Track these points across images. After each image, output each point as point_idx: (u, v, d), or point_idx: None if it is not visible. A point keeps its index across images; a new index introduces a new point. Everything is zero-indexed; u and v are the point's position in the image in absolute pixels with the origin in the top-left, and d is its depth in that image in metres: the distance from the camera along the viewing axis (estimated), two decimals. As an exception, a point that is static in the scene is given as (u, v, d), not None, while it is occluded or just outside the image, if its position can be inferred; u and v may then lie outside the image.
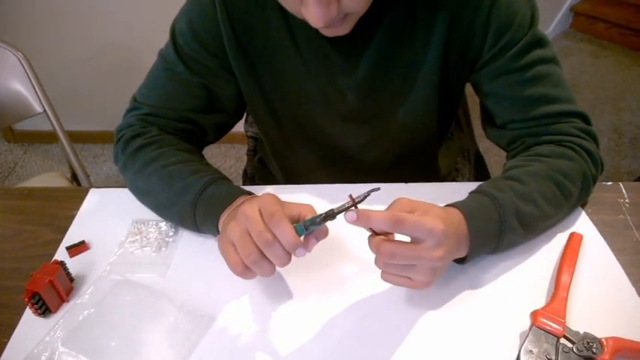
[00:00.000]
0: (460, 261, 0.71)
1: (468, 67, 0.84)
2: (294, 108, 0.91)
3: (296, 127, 0.95)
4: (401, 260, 0.60)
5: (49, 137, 1.35)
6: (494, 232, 0.69)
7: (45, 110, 1.34)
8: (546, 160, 0.77)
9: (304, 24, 0.68)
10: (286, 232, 0.58)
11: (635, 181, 1.95)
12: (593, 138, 0.81)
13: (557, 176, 0.74)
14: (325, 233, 0.63)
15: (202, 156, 0.90)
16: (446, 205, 0.70)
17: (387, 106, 0.89)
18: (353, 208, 0.59)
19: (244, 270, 0.61)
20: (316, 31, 0.71)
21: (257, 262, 0.60)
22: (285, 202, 0.63)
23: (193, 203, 0.74)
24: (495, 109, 0.86)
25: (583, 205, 0.83)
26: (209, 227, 0.74)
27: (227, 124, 0.95)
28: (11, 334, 0.67)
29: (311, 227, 0.60)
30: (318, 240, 0.62)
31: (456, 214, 0.67)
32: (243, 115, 0.99)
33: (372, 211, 0.58)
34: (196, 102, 0.87)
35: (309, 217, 0.61)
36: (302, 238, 0.60)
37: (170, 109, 0.86)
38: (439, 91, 0.85)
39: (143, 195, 0.83)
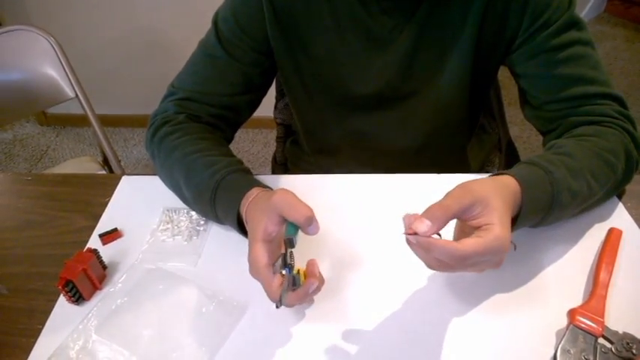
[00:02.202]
0: None
1: (503, 48, 0.84)
2: (331, 89, 0.93)
3: (332, 108, 0.96)
4: (457, 271, 0.60)
5: (81, 121, 1.37)
6: (543, 207, 0.67)
7: (77, 95, 1.35)
8: (592, 139, 0.75)
9: (348, 4, 0.72)
10: (287, 298, 0.62)
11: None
12: (632, 122, 0.79)
13: (603, 153, 0.73)
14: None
15: (224, 142, 0.89)
16: (501, 173, 0.67)
17: (422, 83, 0.89)
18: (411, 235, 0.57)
19: None
20: (360, 9, 0.79)
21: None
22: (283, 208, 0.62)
23: (212, 203, 0.74)
24: (531, 90, 0.84)
25: (620, 196, 0.81)
26: (231, 225, 0.74)
27: (258, 100, 0.96)
28: (46, 320, 0.68)
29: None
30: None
31: (514, 187, 0.64)
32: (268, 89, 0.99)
33: (433, 241, 0.56)
34: (234, 88, 0.88)
35: (302, 220, 0.60)
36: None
37: (207, 94, 0.87)
38: (472, 71, 0.86)
39: (170, 187, 0.84)
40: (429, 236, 0.56)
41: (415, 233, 0.56)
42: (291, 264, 0.62)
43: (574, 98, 0.79)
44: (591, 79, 0.79)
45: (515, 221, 0.65)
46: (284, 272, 0.62)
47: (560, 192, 0.67)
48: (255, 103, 0.95)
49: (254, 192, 0.70)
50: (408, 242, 0.58)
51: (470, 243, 0.56)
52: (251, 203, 0.68)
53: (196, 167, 0.77)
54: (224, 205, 0.73)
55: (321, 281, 0.65)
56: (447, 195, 0.59)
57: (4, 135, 2.65)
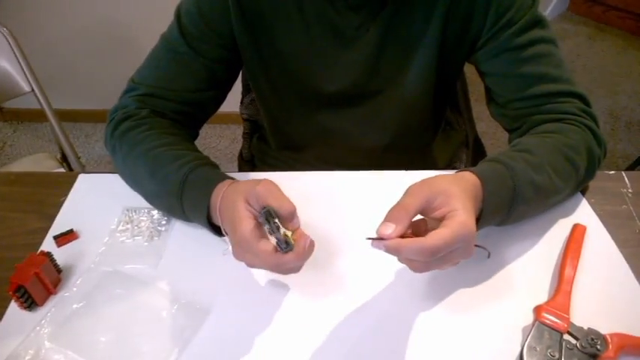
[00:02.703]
0: None
1: (467, 47, 0.85)
2: (298, 86, 0.91)
3: (299, 105, 0.95)
4: (434, 268, 0.59)
5: (40, 116, 1.31)
6: (506, 202, 0.67)
7: (33, 90, 1.30)
8: (553, 135, 0.76)
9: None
10: (287, 259, 0.59)
11: (631, 166, 1.95)
12: (594, 120, 0.81)
13: (565, 150, 0.74)
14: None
15: (190, 139, 0.87)
16: (461, 171, 0.67)
17: (388, 82, 0.89)
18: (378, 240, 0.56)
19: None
20: (327, 5, 0.78)
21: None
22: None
23: (179, 197, 0.71)
24: (496, 88, 0.85)
25: (584, 192, 0.82)
26: (199, 220, 0.71)
27: (223, 96, 0.94)
28: (-4, 327, 0.65)
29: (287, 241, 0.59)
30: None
31: (473, 181, 0.65)
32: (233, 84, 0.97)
33: (402, 242, 0.55)
34: (197, 84, 0.86)
35: (285, 214, 0.59)
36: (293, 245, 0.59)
37: (170, 91, 0.84)
38: (437, 70, 0.86)
39: (132, 183, 0.81)
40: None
41: (381, 239, 0.56)
42: (278, 225, 0.59)
43: (538, 96, 0.80)
44: (555, 77, 0.80)
45: (480, 219, 0.65)
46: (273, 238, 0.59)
47: (521, 185, 0.67)
48: (220, 99, 0.93)
49: (227, 183, 0.68)
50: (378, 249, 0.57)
51: (437, 234, 0.55)
52: (228, 190, 0.66)
53: (162, 161, 0.74)
54: (192, 199, 0.70)
55: (312, 240, 0.61)
56: (405, 193, 0.59)
57: (-44, 131, 2.54)
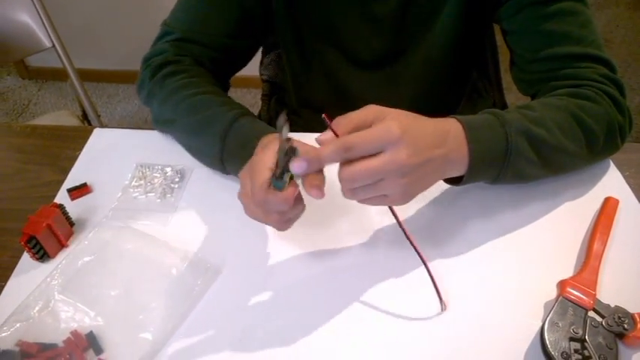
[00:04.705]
0: (455, 181, 0.65)
1: (492, 3, 0.80)
2: (323, 43, 0.89)
3: (320, 61, 0.92)
4: (364, 180, 0.54)
5: (64, 75, 1.31)
6: (499, 152, 0.63)
7: (54, 45, 1.29)
8: (562, 97, 0.71)
9: None
10: (273, 199, 0.53)
11: (667, 144, 1.87)
12: (619, 87, 0.74)
13: (575, 110, 0.68)
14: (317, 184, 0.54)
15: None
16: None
17: (412, 41, 0.87)
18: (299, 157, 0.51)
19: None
20: None
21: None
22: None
23: (223, 135, 0.68)
24: (516, 48, 0.81)
25: (617, 164, 0.77)
26: (235, 162, 0.68)
27: (255, 49, 0.92)
28: (8, 277, 0.65)
29: (285, 175, 0.53)
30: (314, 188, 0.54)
31: (453, 123, 0.61)
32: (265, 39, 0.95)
33: (319, 149, 0.52)
34: (231, 27, 0.83)
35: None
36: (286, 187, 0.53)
37: (205, 34, 0.82)
38: (462, 28, 0.83)
39: (168, 124, 0.79)
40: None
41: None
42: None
43: (556, 58, 0.75)
44: (578, 37, 0.75)
45: (468, 167, 0.62)
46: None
47: (513, 134, 0.63)
48: (253, 50, 0.91)
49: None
50: (301, 170, 0.52)
51: (354, 135, 0.52)
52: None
53: (208, 103, 0.73)
54: (236, 145, 0.67)
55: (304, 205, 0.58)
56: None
57: (-17, 88, 2.57)
